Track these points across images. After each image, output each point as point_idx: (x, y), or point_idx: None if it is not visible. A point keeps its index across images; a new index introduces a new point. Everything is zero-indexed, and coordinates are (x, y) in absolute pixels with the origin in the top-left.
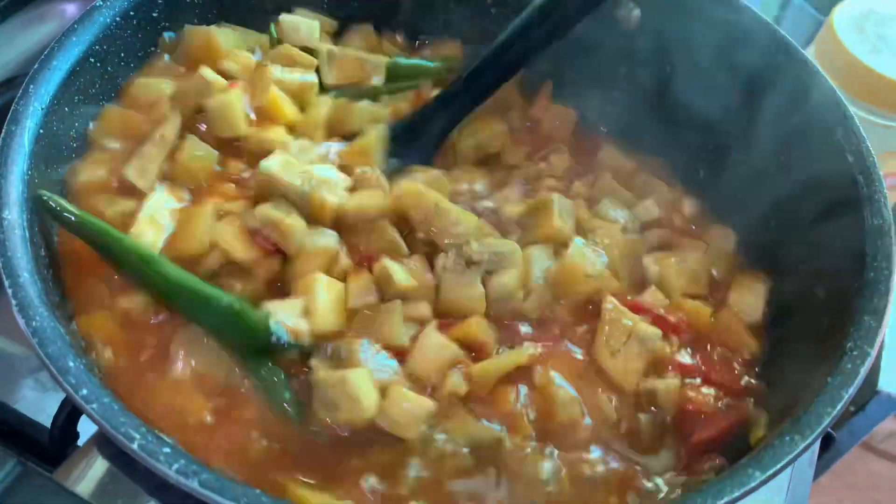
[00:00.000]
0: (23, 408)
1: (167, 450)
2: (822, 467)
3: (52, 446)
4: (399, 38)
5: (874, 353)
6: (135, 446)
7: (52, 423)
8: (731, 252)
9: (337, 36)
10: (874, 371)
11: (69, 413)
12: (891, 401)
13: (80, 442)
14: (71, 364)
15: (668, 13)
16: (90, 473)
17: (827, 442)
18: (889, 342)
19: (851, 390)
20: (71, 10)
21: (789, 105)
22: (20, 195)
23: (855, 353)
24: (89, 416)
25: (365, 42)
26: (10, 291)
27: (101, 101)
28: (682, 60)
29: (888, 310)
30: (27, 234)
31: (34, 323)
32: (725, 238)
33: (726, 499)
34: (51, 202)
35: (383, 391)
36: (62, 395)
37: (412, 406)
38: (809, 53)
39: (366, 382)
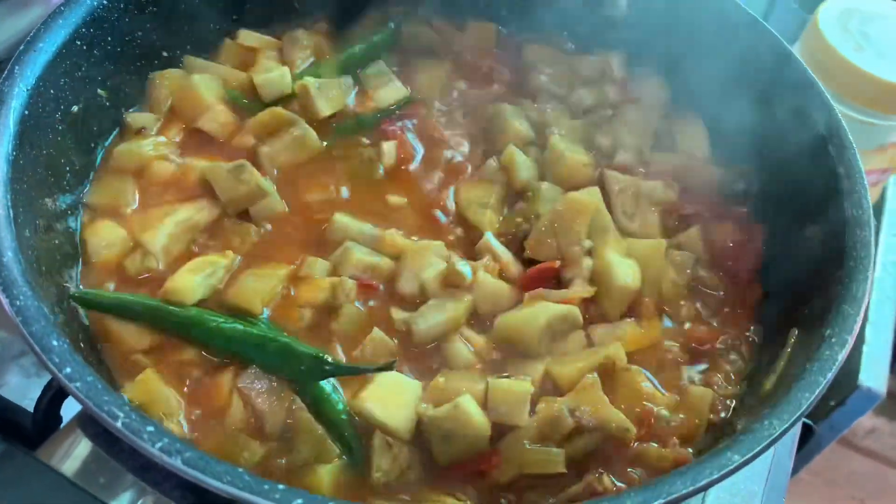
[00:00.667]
0: (6, 393)
1: (151, 428)
2: (802, 460)
3: (34, 429)
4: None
5: (852, 340)
6: (118, 424)
7: (35, 407)
8: (665, 101)
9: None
10: (855, 366)
11: (52, 396)
12: (871, 395)
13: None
14: (55, 343)
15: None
16: (73, 453)
17: (807, 434)
18: (870, 338)
19: (829, 376)
20: None
21: (773, 99)
22: (5, 175)
23: (833, 340)
24: (73, 394)
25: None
26: None
27: (87, 84)
28: (666, 47)
29: (866, 298)
30: (11, 213)
31: (18, 302)
32: (658, 88)
33: (706, 480)
34: (87, 297)
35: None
36: (45, 381)
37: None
38: (795, 51)
39: (471, 403)
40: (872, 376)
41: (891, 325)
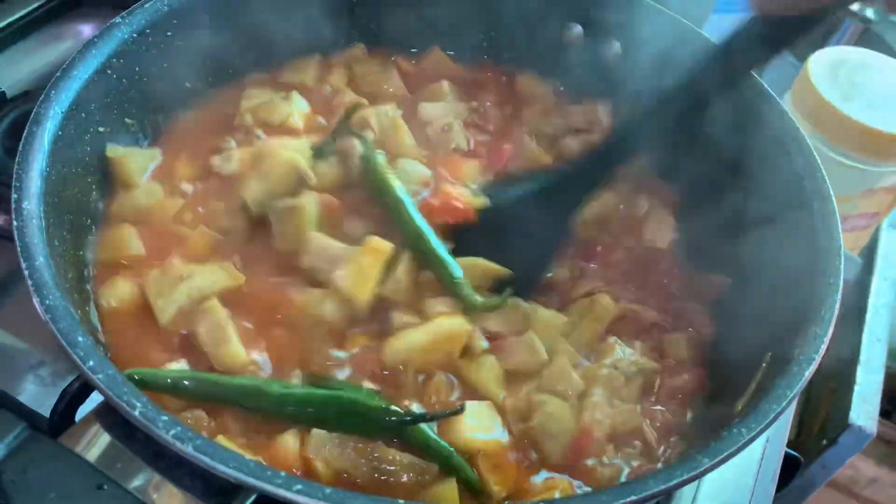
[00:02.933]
0: (23, 401)
1: (165, 418)
2: (795, 498)
3: (51, 432)
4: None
5: (818, 358)
6: (136, 413)
7: (52, 411)
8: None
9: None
10: (846, 405)
11: (69, 401)
12: (862, 434)
13: None
14: (80, 339)
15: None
16: (93, 442)
17: (792, 467)
18: (861, 378)
19: (796, 391)
20: (87, 30)
21: (752, 135)
22: (38, 189)
23: (801, 358)
24: (95, 385)
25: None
26: (26, 273)
27: (113, 111)
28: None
29: (833, 321)
30: (44, 223)
31: (48, 301)
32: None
33: (676, 481)
34: (143, 378)
35: None
36: (60, 389)
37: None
38: (787, 99)
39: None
40: (863, 415)
41: (881, 366)
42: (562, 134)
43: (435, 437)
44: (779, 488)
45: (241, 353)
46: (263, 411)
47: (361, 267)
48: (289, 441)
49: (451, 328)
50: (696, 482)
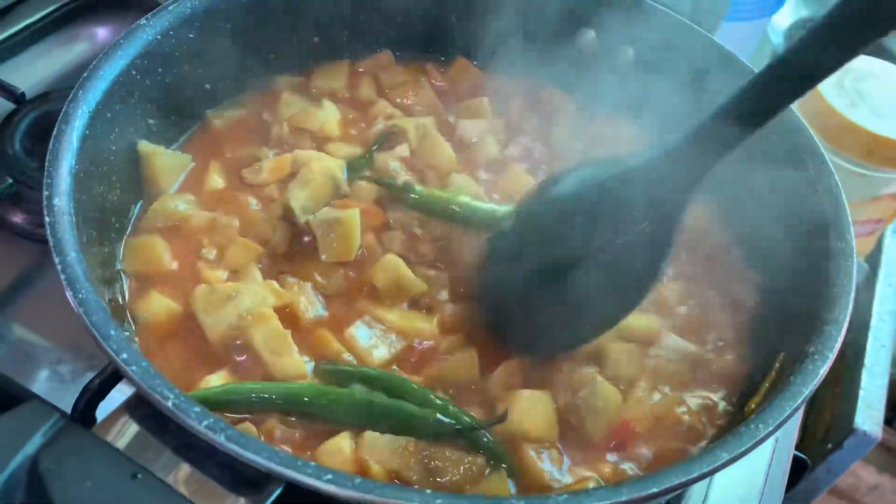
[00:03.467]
0: (42, 397)
1: (197, 409)
2: (800, 500)
3: None
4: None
5: (832, 356)
6: (169, 404)
7: (73, 408)
8: None
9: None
10: (851, 410)
11: (89, 398)
12: (867, 438)
13: None
14: (112, 332)
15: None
16: (123, 433)
17: (800, 468)
18: (866, 383)
19: (811, 388)
20: (102, 33)
21: (767, 142)
22: (69, 186)
23: (816, 356)
24: (129, 377)
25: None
26: (59, 267)
27: (137, 111)
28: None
29: (847, 320)
30: (74, 219)
31: (80, 295)
32: None
33: (697, 474)
34: (209, 397)
35: None
36: (80, 386)
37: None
38: (793, 106)
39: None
40: (868, 420)
41: (886, 372)
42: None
43: (485, 434)
44: (786, 490)
45: (301, 365)
46: (320, 417)
47: None
48: (343, 444)
49: None
50: (707, 482)
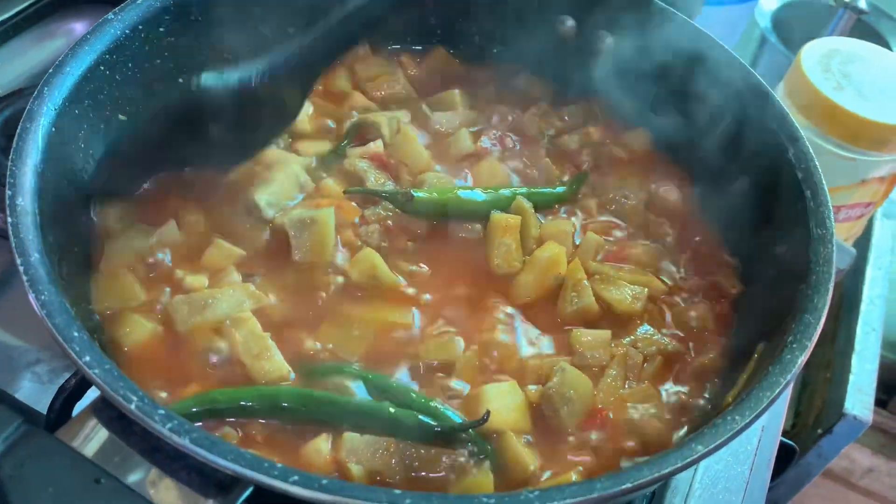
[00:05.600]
0: (20, 398)
1: (161, 412)
2: (791, 486)
3: (48, 429)
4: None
5: (811, 345)
6: (132, 407)
7: (49, 408)
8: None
9: None
10: (841, 395)
11: (65, 398)
12: (857, 423)
13: None
14: (76, 334)
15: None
16: (91, 436)
17: (788, 457)
18: (856, 367)
19: (789, 378)
20: (79, 28)
21: (745, 127)
22: (33, 185)
23: (795, 345)
24: (91, 380)
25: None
26: (21, 269)
27: (108, 107)
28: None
29: (825, 308)
30: (38, 219)
31: (42, 297)
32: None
33: (670, 469)
34: (203, 406)
35: None
36: (58, 386)
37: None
38: (779, 89)
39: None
40: (858, 405)
41: (876, 356)
42: (559, 133)
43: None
44: (774, 477)
45: (284, 367)
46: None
47: None
48: (321, 446)
49: None
50: (693, 470)
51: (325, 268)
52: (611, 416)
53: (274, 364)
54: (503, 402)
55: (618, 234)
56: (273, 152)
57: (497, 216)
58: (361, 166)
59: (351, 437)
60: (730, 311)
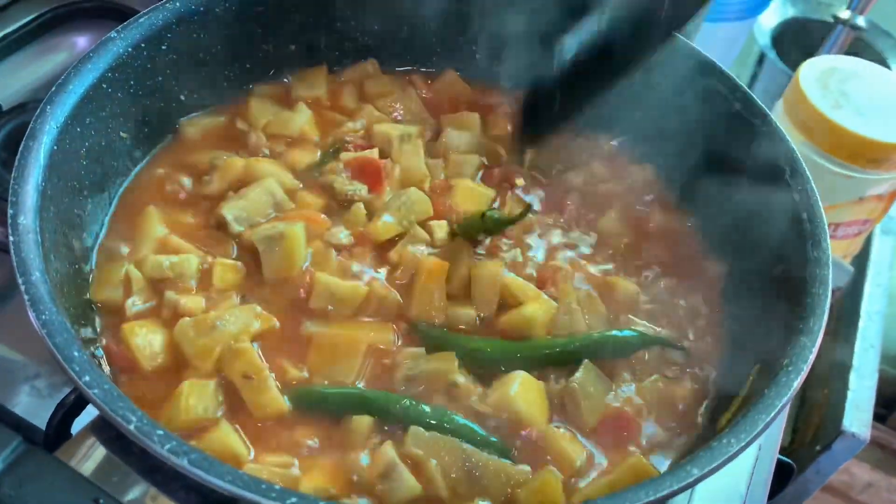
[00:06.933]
0: (19, 412)
1: (160, 432)
2: (789, 503)
3: (46, 445)
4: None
5: (807, 369)
6: (132, 427)
7: (48, 424)
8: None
9: None
10: (839, 412)
11: (64, 414)
12: (855, 440)
13: None
14: (76, 353)
15: None
16: (90, 455)
17: (786, 474)
18: (854, 384)
19: (785, 401)
20: (81, 42)
21: (742, 148)
22: (34, 203)
23: (790, 368)
24: (91, 400)
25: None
26: (22, 287)
27: (109, 125)
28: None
29: (821, 331)
30: (39, 238)
31: (43, 316)
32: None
33: (666, 492)
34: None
35: None
36: (57, 401)
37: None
38: (779, 106)
39: None
40: (856, 422)
41: (874, 373)
42: (563, 169)
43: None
44: (772, 495)
45: (282, 404)
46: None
47: None
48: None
49: None
50: (689, 491)
51: (296, 286)
52: (631, 412)
53: (272, 398)
54: (527, 391)
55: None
56: (257, 163)
57: None
58: (340, 179)
59: (416, 430)
60: (725, 332)
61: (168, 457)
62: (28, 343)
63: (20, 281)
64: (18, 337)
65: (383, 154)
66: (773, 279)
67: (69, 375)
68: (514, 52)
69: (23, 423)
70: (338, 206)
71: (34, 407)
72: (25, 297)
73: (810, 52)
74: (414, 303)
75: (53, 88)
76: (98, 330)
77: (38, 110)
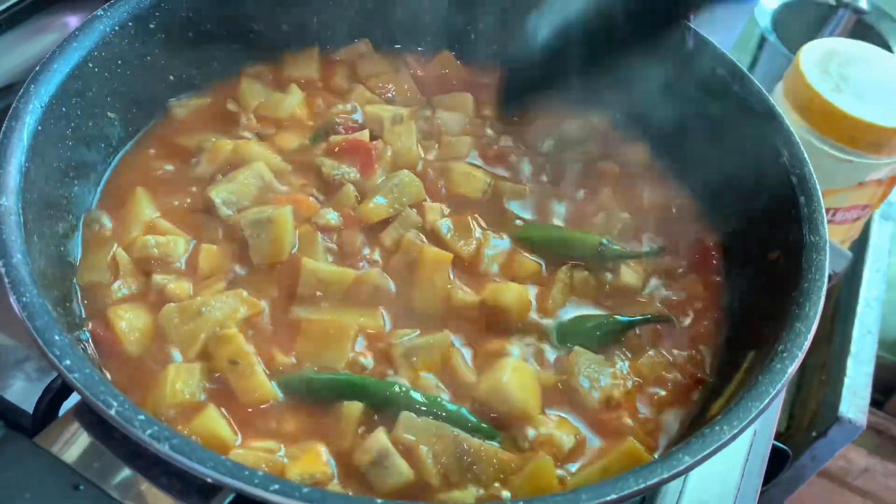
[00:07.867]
0: (9, 396)
1: (142, 417)
2: (785, 489)
3: (33, 429)
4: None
5: (801, 355)
6: (112, 412)
7: (35, 407)
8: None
9: None
10: (836, 398)
11: (52, 398)
12: (851, 426)
13: None
14: (57, 337)
15: None
16: (73, 440)
17: (782, 460)
18: (851, 370)
19: (779, 388)
20: (73, 22)
21: (739, 130)
22: (17, 185)
23: (785, 354)
24: (71, 384)
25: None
26: (3, 270)
27: (96, 106)
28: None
29: (817, 317)
30: (22, 219)
31: (24, 299)
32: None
33: (656, 479)
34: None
35: None
36: (46, 384)
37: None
38: (779, 89)
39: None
40: (853, 408)
41: (871, 359)
42: (560, 150)
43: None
44: (767, 480)
45: (269, 389)
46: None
47: None
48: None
49: None
50: (682, 477)
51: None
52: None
53: (260, 383)
54: (519, 377)
55: None
56: (246, 145)
57: None
58: (322, 156)
59: (408, 416)
60: (721, 318)
61: (149, 442)
62: (17, 326)
63: (0, 263)
64: (6, 320)
65: (375, 136)
66: (769, 264)
67: (49, 359)
68: (509, 32)
69: (11, 407)
70: (327, 188)
71: (24, 391)
72: (6, 279)
73: (811, 35)
74: (416, 293)
75: (38, 67)
76: (84, 314)
77: (22, 90)
